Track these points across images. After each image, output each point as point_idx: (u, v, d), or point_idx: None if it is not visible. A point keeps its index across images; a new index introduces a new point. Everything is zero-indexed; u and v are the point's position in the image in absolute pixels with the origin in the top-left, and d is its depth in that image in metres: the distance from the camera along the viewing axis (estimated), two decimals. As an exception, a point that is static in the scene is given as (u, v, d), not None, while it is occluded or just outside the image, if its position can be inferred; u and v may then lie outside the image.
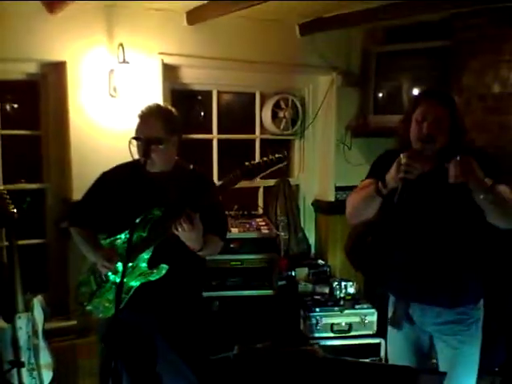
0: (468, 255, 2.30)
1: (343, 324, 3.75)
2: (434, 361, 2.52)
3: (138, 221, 2.31)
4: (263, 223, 3.96)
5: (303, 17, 3.86)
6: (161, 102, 3.32)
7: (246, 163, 2.21)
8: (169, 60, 3.54)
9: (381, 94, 4.15)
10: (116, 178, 2.50)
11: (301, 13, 3.74)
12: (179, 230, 2.19)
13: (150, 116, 2.37)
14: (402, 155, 2.06)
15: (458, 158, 2.00)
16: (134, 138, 2.34)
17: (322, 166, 4.49)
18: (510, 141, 3.40)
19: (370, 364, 2.09)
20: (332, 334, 3.74)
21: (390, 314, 2.54)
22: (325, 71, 4.19)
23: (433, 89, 2.33)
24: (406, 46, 3.95)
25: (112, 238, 2.47)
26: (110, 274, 2.46)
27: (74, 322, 3.40)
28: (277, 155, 2.23)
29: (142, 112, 2.40)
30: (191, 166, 2.56)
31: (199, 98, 4.20)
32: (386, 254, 2.51)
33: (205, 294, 3.50)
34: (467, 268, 2.31)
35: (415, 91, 3.97)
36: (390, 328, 2.55)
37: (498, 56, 3.43)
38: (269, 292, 3.75)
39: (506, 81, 3.42)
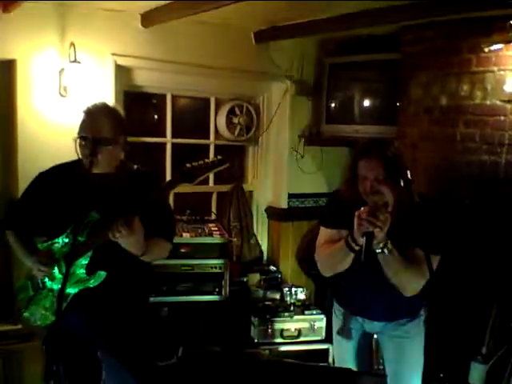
0: None
1: (293, 329, 3.78)
2: (379, 367, 2.60)
3: (75, 224, 2.22)
4: (215, 228, 3.96)
5: (259, 24, 3.91)
6: (111, 103, 3.30)
7: (187, 165, 2.15)
8: (122, 61, 3.52)
9: (333, 104, 4.23)
10: (54, 179, 2.41)
11: (256, 20, 3.78)
12: (117, 235, 2.09)
13: (99, 115, 2.31)
14: (362, 209, 2.09)
15: None
16: (82, 137, 2.26)
17: (276, 173, 4.53)
18: (454, 152, 3.50)
19: (311, 366, 2.10)
20: (281, 340, 3.76)
21: (336, 320, 2.61)
22: (279, 79, 4.26)
23: (368, 143, 2.30)
24: (358, 58, 4.04)
25: (49, 242, 2.36)
26: (46, 280, 2.35)
27: (20, 327, 3.30)
28: (218, 157, 2.20)
29: (90, 110, 2.33)
30: (135, 167, 2.48)
31: (154, 101, 4.18)
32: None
33: (154, 299, 3.48)
34: None
35: (366, 102, 4.07)
36: (336, 335, 2.61)
37: (446, 69, 3.50)
38: (220, 298, 3.74)
39: (454, 93, 3.48)
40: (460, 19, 3.29)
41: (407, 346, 2.42)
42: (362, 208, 2.10)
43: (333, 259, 2.35)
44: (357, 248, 2.15)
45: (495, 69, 3.27)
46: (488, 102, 3.32)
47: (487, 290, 3.23)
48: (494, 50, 3.25)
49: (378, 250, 2.12)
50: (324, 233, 2.44)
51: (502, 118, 3.25)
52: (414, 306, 2.43)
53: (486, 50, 3.27)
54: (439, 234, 2.23)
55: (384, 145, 2.25)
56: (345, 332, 2.49)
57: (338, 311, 2.59)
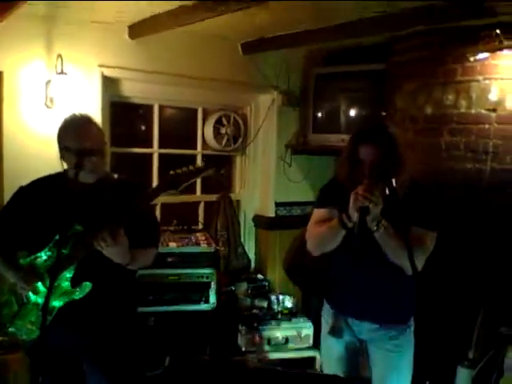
0: (406, 280, 2.34)
1: (280, 337, 3.79)
2: (365, 375, 2.60)
3: (57, 237, 2.20)
4: (203, 238, 3.95)
5: (246, 36, 3.94)
6: (99, 114, 3.31)
7: (171, 172, 2.13)
8: (109, 72, 3.52)
9: (319, 114, 4.27)
10: (35, 193, 2.37)
11: (244, 32, 3.81)
12: (102, 245, 2.08)
13: (84, 126, 2.29)
14: (359, 187, 2.17)
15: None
16: (66, 148, 2.23)
17: (263, 182, 4.56)
18: (440, 160, 3.54)
19: (299, 373, 2.11)
20: (269, 348, 3.77)
21: (324, 324, 2.61)
22: (266, 90, 4.30)
23: (366, 129, 2.40)
24: (344, 69, 4.09)
25: (32, 257, 2.31)
26: (30, 294, 2.31)
27: (5, 338, 3.27)
28: (203, 162, 2.21)
29: (73, 121, 2.30)
30: (115, 176, 2.47)
31: (141, 111, 4.18)
32: (329, 271, 2.57)
33: (140, 309, 3.44)
34: (403, 291, 2.39)
35: (352, 112, 4.11)
36: (324, 338, 2.61)
37: (432, 78, 3.54)
38: (207, 307, 3.73)
39: (439, 102, 3.52)
40: (446, 29, 3.33)
41: (396, 361, 2.42)
42: (359, 186, 2.17)
43: (323, 237, 2.38)
44: (350, 225, 2.21)
45: (480, 78, 3.31)
46: (473, 111, 3.36)
47: (474, 294, 3.26)
48: (480, 60, 3.28)
49: (373, 228, 2.18)
50: (317, 214, 2.49)
51: (487, 126, 3.29)
52: (403, 311, 2.43)
53: (472, 59, 3.30)
54: (433, 211, 2.32)
55: (382, 131, 2.35)
56: (336, 331, 2.49)
57: (326, 315, 2.59)
